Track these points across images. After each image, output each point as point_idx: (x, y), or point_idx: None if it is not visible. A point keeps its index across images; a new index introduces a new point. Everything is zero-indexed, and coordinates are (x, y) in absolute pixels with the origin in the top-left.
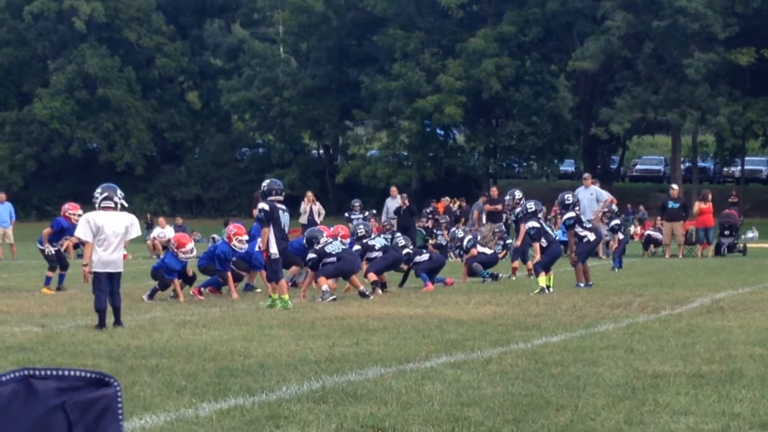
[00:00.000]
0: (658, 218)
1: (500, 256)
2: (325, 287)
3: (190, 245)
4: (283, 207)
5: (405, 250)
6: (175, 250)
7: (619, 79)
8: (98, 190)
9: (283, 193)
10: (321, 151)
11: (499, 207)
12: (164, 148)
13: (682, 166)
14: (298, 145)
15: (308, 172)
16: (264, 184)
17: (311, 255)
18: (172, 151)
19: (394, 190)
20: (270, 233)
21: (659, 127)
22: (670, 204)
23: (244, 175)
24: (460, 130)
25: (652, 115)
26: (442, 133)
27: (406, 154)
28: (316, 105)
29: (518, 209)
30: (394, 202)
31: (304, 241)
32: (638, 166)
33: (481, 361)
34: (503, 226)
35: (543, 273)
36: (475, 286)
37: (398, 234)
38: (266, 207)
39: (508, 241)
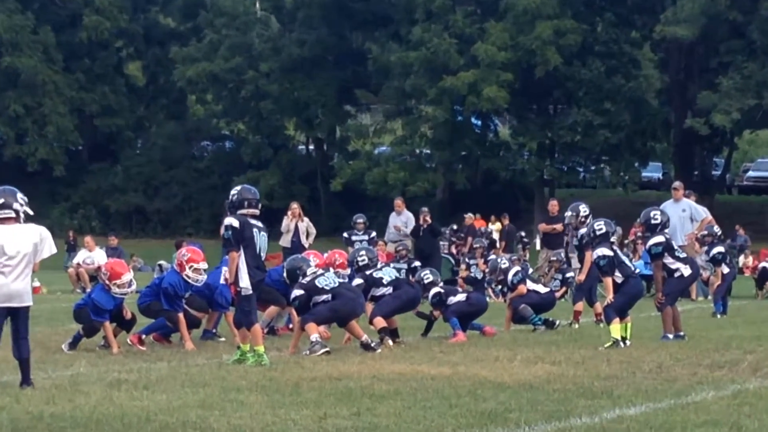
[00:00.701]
0: None
1: (558, 295)
2: (314, 336)
3: (128, 276)
4: (260, 224)
5: (433, 290)
6: (107, 282)
7: (725, 52)
8: None
9: (260, 205)
10: (311, 147)
11: (559, 227)
12: (94, 141)
13: None
14: (279, 137)
15: (293, 175)
16: (233, 192)
17: (297, 291)
18: (105, 145)
19: (399, 202)
20: (240, 260)
21: None
22: None
23: (203, 179)
24: (504, 120)
25: None
26: (480, 123)
27: (428, 152)
28: (305, 83)
29: (582, 230)
30: (399, 220)
31: (285, 273)
32: (751, 173)
33: None
34: (563, 254)
35: (617, 319)
36: (522, 336)
37: (417, 263)
38: (236, 223)
39: (568, 275)
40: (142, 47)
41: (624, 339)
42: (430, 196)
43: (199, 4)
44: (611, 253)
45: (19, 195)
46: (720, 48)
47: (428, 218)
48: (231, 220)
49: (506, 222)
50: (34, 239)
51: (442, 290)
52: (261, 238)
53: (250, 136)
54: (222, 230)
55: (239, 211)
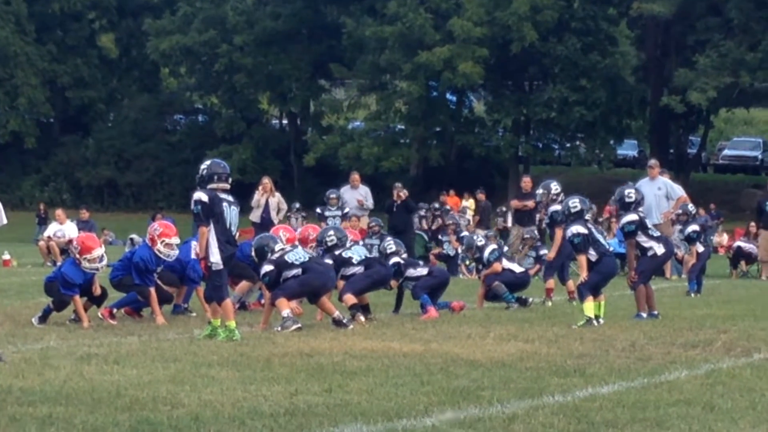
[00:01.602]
0: (752, 224)
1: (532, 272)
2: (286, 312)
3: (99, 250)
4: (230, 198)
5: (393, 259)
6: (78, 256)
7: (702, 30)
8: None
9: (230, 179)
10: (284, 122)
11: (530, 204)
12: (66, 113)
13: None
14: (252, 111)
15: (266, 149)
16: (203, 166)
17: (267, 267)
18: (77, 117)
19: (356, 176)
20: (211, 234)
21: (757, 97)
22: None
23: (176, 153)
24: (479, 96)
25: (748, 80)
26: (455, 99)
27: (403, 127)
28: (279, 56)
29: (553, 208)
30: (358, 193)
31: (253, 252)
32: (726, 152)
33: (501, 419)
34: (536, 232)
35: (590, 298)
36: (495, 313)
37: (389, 239)
38: (205, 198)
39: (542, 252)
40: (115, 19)
41: (597, 317)
42: (404, 172)
43: None
44: (586, 231)
45: None
46: (697, 25)
47: (402, 194)
48: (200, 195)
49: (482, 198)
50: None
51: (402, 261)
52: (232, 213)
53: (223, 109)
54: (192, 205)
55: (209, 186)
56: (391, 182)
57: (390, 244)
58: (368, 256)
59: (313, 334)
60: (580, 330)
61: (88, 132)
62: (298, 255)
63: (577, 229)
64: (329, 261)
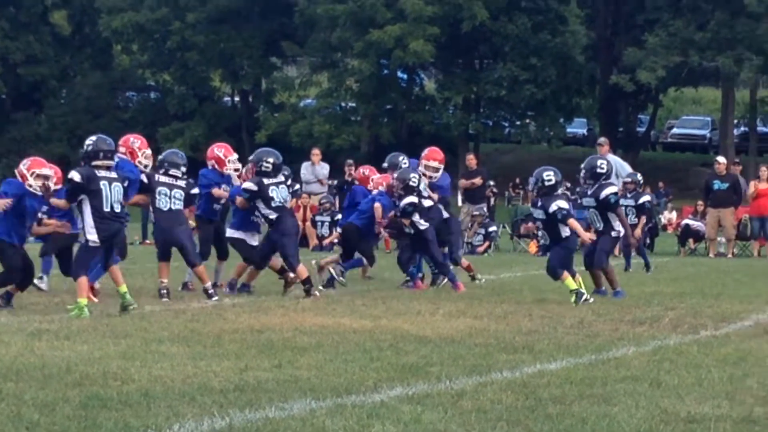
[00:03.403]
0: (699, 203)
1: (481, 250)
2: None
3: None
4: (113, 175)
5: (408, 199)
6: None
7: (651, 9)
8: None
9: (114, 156)
10: (236, 99)
11: (477, 181)
12: (18, 89)
13: (735, 131)
14: (204, 89)
15: (218, 126)
16: (88, 142)
17: (250, 184)
18: (29, 94)
19: (316, 152)
20: (86, 213)
21: (705, 76)
22: (716, 184)
23: (128, 129)
24: (430, 74)
25: (697, 59)
26: (405, 77)
27: (354, 105)
28: (231, 34)
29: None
30: (313, 170)
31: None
32: (675, 130)
33: (450, 395)
34: (485, 209)
35: (566, 273)
36: (444, 290)
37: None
38: (77, 177)
39: (491, 229)
40: None
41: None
42: (355, 149)
43: None
44: (567, 206)
45: None
46: (646, 5)
47: (353, 172)
48: (73, 174)
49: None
50: None
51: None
52: (114, 190)
53: (175, 87)
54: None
55: (93, 162)
56: (343, 159)
57: (414, 178)
58: (284, 203)
59: (263, 310)
60: (529, 306)
61: (41, 109)
62: (281, 196)
63: (561, 203)
64: (254, 186)
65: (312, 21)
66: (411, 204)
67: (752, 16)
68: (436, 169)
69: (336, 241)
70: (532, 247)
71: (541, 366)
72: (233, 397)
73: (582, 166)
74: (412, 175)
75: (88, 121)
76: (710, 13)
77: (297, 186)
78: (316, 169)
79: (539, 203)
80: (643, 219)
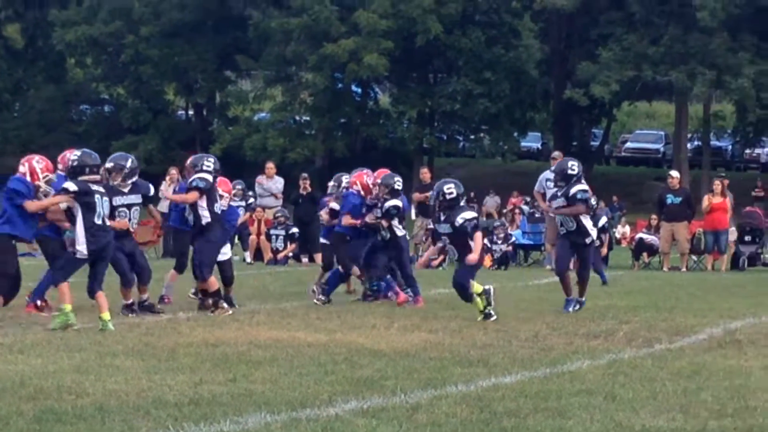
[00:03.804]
0: (653, 216)
1: (435, 264)
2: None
3: None
4: (101, 190)
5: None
6: None
7: (605, 24)
8: None
9: (100, 170)
10: (191, 112)
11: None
12: None
13: (689, 146)
14: (159, 102)
15: (172, 140)
16: (73, 156)
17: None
18: None
19: (270, 166)
20: (79, 224)
21: (659, 91)
22: (669, 198)
23: (82, 143)
24: (384, 88)
25: (650, 74)
26: (360, 91)
27: (308, 119)
28: (185, 48)
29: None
30: (271, 184)
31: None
32: (629, 144)
33: (405, 409)
34: None
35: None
36: (398, 307)
37: (295, 229)
38: (73, 187)
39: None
40: (21, 9)
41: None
42: (310, 163)
43: None
44: (473, 215)
45: None
46: (600, 19)
47: (308, 186)
48: (68, 185)
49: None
50: None
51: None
52: (104, 204)
53: (129, 100)
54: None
55: (80, 177)
56: (297, 173)
57: (399, 181)
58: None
59: (217, 324)
60: (482, 321)
61: None
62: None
63: (467, 214)
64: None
65: (266, 35)
66: (395, 207)
67: (705, 30)
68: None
69: (290, 255)
70: (487, 260)
71: (496, 380)
72: (188, 411)
73: (552, 169)
74: (396, 179)
75: (42, 135)
76: (663, 28)
77: (251, 200)
78: (270, 183)
79: (443, 217)
80: (606, 239)
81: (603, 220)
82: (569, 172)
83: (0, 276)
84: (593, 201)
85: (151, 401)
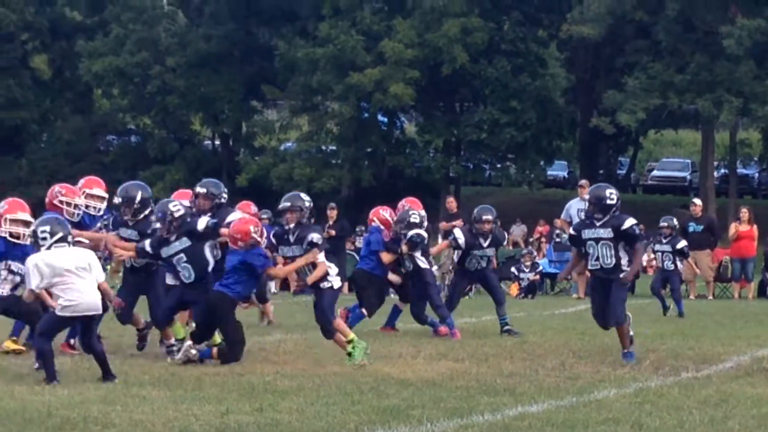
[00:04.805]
0: None
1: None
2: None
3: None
4: None
5: (413, 231)
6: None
7: (631, 52)
8: None
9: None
10: (217, 142)
11: (459, 224)
12: None
13: (715, 173)
14: (185, 132)
15: (199, 170)
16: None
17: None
18: (10, 138)
19: None
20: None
21: (685, 119)
22: (692, 226)
23: (109, 173)
24: (410, 118)
25: (676, 101)
26: (386, 120)
27: (335, 148)
28: (212, 78)
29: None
30: None
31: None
32: (656, 172)
33: None
34: None
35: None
36: (425, 332)
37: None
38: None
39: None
40: (48, 40)
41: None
42: (336, 193)
43: None
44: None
45: None
46: (626, 48)
47: (335, 215)
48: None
49: None
50: None
51: (422, 234)
52: None
53: (155, 130)
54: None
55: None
56: (324, 203)
57: (415, 215)
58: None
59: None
60: (510, 348)
61: (22, 153)
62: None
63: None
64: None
65: (292, 64)
66: (419, 235)
67: (731, 58)
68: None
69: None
70: (514, 289)
71: (523, 408)
72: None
73: (586, 197)
74: (411, 212)
75: (69, 165)
76: (689, 56)
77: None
78: None
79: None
80: (687, 262)
81: (682, 243)
82: (608, 202)
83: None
84: (675, 222)
85: (178, 431)
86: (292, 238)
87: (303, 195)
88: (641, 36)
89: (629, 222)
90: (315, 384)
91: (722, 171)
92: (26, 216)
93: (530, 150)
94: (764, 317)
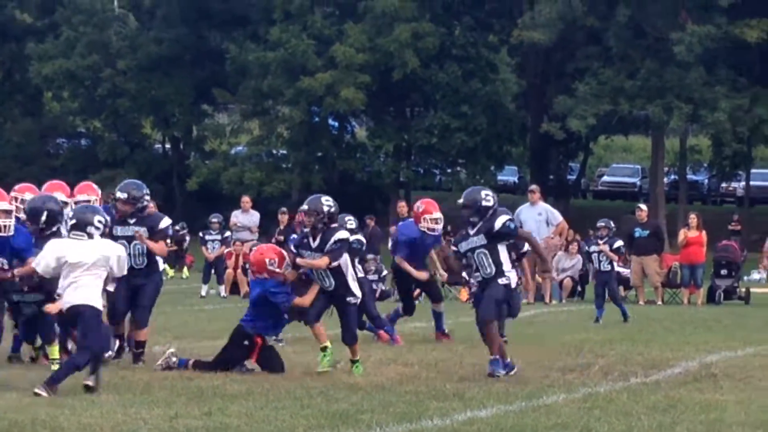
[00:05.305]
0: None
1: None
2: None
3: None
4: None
5: (354, 236)
6: None
7: (582, 58)
8: None
9: None
10: (168, 146)
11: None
12: None
13: (665, 179)
14: (136, 136)
15: (149, 174)
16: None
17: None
18: None
19: (245, 200)
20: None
21: (636, 125)
22: (637, 231)
23: (58, 176)
24: (361, 122)
25: (626, 107)
26: (336, 124)
27: (285, 152)
28: (163, 81)
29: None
30: (246, 218)
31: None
32: (606, 178)
33: None
34: None
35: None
36: (375, 337)
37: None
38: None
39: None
40: None
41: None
42: (287, 197)
43: (57, 0)
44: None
45: None
46: (577, 53)
47: (286, 219)
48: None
49: (371, 223)
50: None
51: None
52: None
53: (106, 133)
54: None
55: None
56: (274, 207)
57: (351, 220)
58: None
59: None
60: (460, 353)
61: None
62: None
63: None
64: None
65: (243, 68)
66: (358, 241)
67: (681, 65)
68: (437, 220)
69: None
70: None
71: (472, 413)
72: None
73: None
74: (347, 218)
75: (18, 168)
76: (640, 62)
77: (228, 233)
78: (246, 217)
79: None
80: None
81: (618, 242)
82: (483, 203)
83: None
84: (612, 224)
85: None
86: (313, 244)
87: (325, 198)
88: (592, 42)
89: (501, 220)
90: (264, 388)
91: (672, 177)
92: (5, 205)
93: (481, 155)
94: (713, 323)
